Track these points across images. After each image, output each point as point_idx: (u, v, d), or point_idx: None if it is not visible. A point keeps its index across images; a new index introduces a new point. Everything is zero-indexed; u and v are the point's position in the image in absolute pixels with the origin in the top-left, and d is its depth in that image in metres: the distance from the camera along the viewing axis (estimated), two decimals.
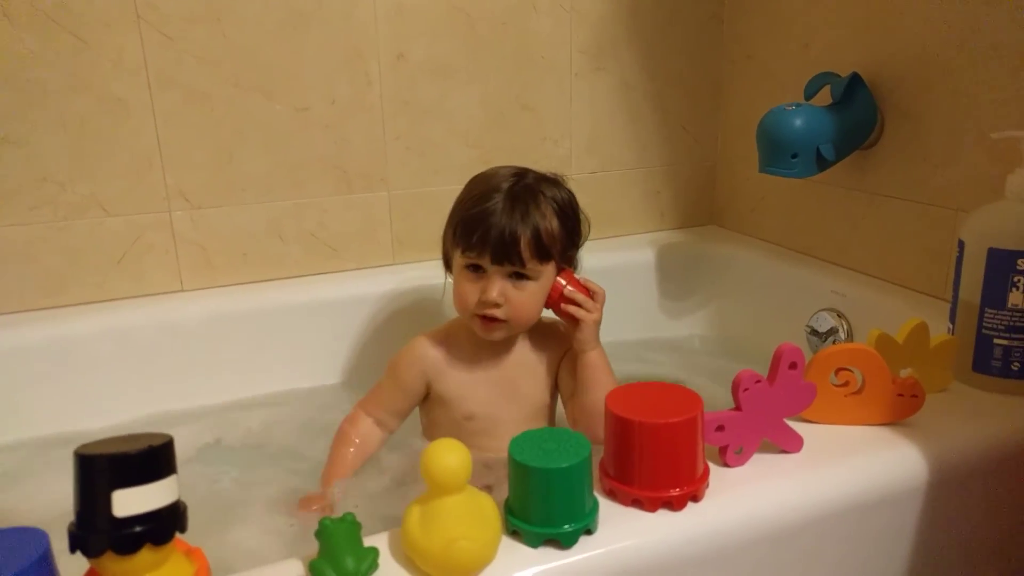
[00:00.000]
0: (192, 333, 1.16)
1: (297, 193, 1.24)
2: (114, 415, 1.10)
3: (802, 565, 0.68)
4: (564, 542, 0.58)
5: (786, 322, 1.23)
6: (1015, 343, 0.80)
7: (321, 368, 1.23)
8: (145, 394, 1.13)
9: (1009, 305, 0.79)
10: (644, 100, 1.42)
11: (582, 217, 0.95)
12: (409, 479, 0.93)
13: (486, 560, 0.56)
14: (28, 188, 1.10)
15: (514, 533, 0.60)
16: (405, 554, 0.57)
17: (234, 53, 1.15)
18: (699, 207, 1.53)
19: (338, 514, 0.55)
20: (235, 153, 1.19)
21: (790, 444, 0.71)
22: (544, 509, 0.58)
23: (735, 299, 1.39)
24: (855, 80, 1.11)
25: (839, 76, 1.13)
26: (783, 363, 0.69)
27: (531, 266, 0.88)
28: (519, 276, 0.89)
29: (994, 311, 0.80)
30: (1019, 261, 0.78)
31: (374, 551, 0.56)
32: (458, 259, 0.91)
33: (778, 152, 1.09)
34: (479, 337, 0.92)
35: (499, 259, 0.87)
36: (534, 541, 0.59)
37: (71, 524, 0.48)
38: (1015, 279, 0.78)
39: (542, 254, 0.88)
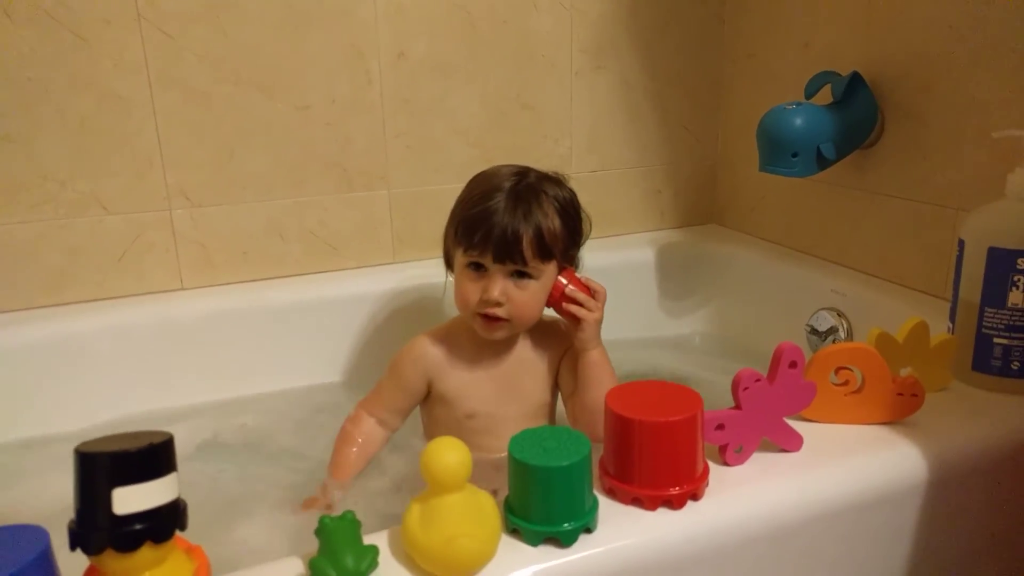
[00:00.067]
0: (192, 331, 1.16)
1: (297, 191, 1.24)
2: (114, 413, 1.10)
3: (802, 564, 0.68)
4: (564, 540, 0.59)
5: (786, 321, 1.23)
6: (1015, 342, 0.80)
7: (321, 367, 1.23)
8: (145, 392, 1.13)
9: (1009, 304, 0.79)
10: (645, 99, 1.42)
11: (583, 216, 0.95)
12: (409, 477, 0.93)
13: (486, 558, 0.57)
14: (29, 186, 1.10)
15: (514, 531, 0.60)
16: (405, 552, 0.57)
17: (235, 51, 1.16)
18: (699, 206, 1.53)
19: (338, 512, 0.55)
20: (235, 151, 1.19)
21: (790, 443, 0.71)
22: (544, 507, 0.58)
23: (735, 298, 1.39)
24: (856, 79, 1.11)
25: (840, 75, 1.13)
26: (783, 362, 0.69)
27: (533, 265, 0.88)
28: (521, 275, 0.89)
29: (994, 310, 0.80)
30: (1019, 260, 0.78)
31: (374, 549, 0.56)
32: (460, 258, 0.91)
33: (778, 151, 1.09)
34: (480, 336, 0.92)
35: (501, 258, 0.87)
36: (534, 539, 0.59)
37: (71, 522, 0.49)
38: (1015, 278, 0.78)
39: (544, 253, 0.88)
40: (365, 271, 1.30)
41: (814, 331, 1.16)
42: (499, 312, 0.89)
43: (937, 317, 0.88)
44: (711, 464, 0.67)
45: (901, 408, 0.75)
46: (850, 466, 0.70)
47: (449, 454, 0.56)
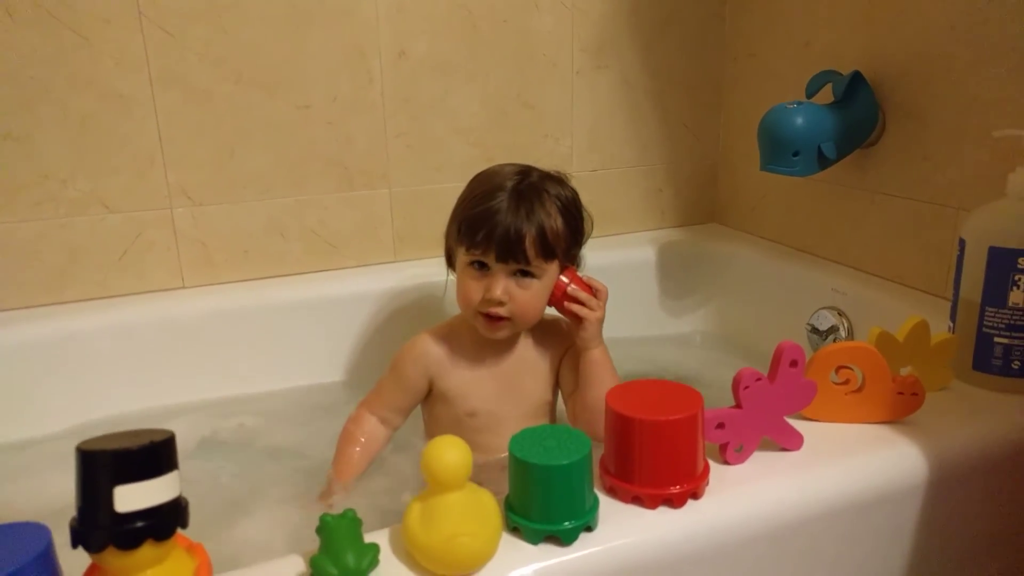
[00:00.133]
0: (193, 330, 1.16)
1: (298, 190, 1.24)
2: (115, 411, 1.11)
3: (802, 563, 0.68)
4: (564, 539, 0.59)
5: (787, 320, 1.23)
6: (1015, 341, 0.80)
7: (322, 365, 1.23)
8: (146, 391, 1.13)
9: (1010, 304, 0.79)
10: (645, 98, 1.42)
11: (585, 215, 0.95)
12: (410, 476, 0.93)
13: (486, 556, 0.57)
14: (30, 185, 1.10)
15: (515, 530, 0.60)
16: (406, 550, 0.57)
17: (236, 50, 1.16)
18: (700, 205, 1.53)
19: (339, 510, 0.56)
20: (236, 150, 1.19)
21: (790, 442, 0.71)
22: (544, 506, 0.58)
23: (736, 297, 1.39)
24: (857, 78, 1.11)
25: (841, 74, 1.13)
26: (784, 361, 0.69)
27: (536, 264, 0.88)
28: (523, 274, 0.89)
29: (995, 309, 0.80)
30: (1020, 260, 0.78)
31: (375, 547, 0.56)
32: (462, 256, 0.91)
33: (779, 150, 1.09)
34: (481, 334, 0.92)
35: (504, 257, 0.87)
36: (534, 538, 0.59)
37: (73, 519, 0.49)
38: (1016, 278, 0.78)
39: (547, 252, 0.88)
40: (366, 270, 1.30)
41: (815, 330, 1.16)
42: (501, 311, 0.89)
43: (938, 316, 0.88)
44: (711, 463, 0.67)
45: (901, 407, 0.75)
46: (850, 465, 0.70)
47: (450, 453, 0.56)
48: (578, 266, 0.97)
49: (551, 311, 0.95)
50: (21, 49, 1.06)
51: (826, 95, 1.14)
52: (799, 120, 1.07)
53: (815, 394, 0.72)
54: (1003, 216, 0.81)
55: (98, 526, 0.48)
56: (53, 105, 1.09)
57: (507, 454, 0.60)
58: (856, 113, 1.11)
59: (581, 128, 1.39)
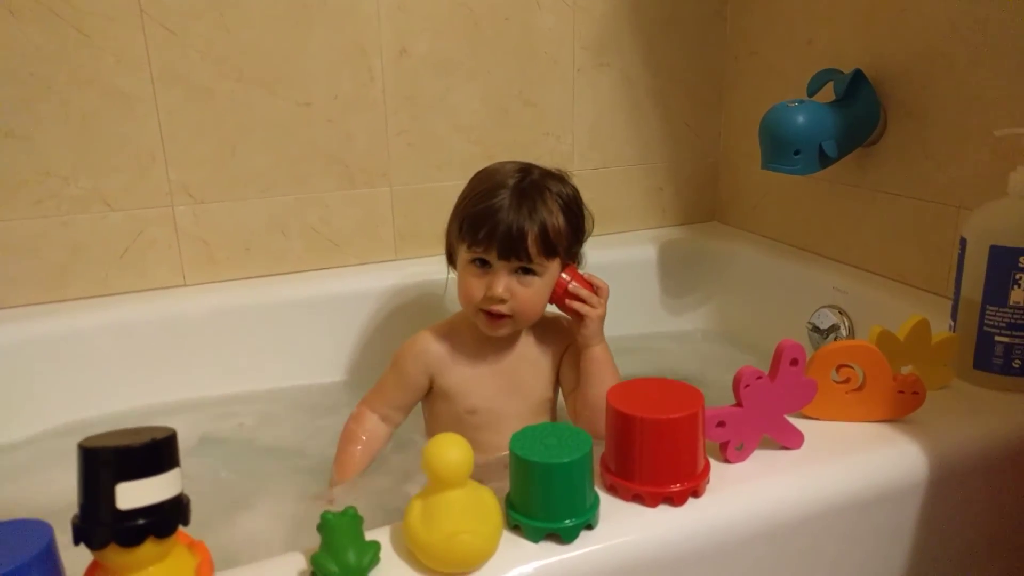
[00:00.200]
0: (194, 328, 1.16)
1: (299, 188, 1.24)
2: (116, 408, 1.11)
3: (802, 561, 0.68)
4: (565, 537, 0.59)
5: (788, 319, 1.23)
6: (1016, 340, 0.80)
7: (323, 363, 1.24)
8: (147, 388, 1.14)
9: (1011, 302, 0.79)
10: (647, 96, 1.42)
11: (586, 213, 0.95)
12: (411, 473, 0.93)
13: (487, 554, 0.57)
14: (31, 182, 1.10)
15: (515, 528, 0.60)
16: (407, 548, 0.57)
17: (237, 48, 1.16)
18: (701, 203, 1.53)
19: (340, 508, 0.56)
20: (238, 148, 1.19)
21: (791, 440, 0.71)
22: (545, 504, 0.58)
23: (737, 296, 1.39)
24: (858, 77, 1.11)
25: (842, 73, 1.13)
26: (784, 359, 0.69)
27: (538, 262, 0.88)
28: (525, 271, 0.89)
29: (995, 308, 0.80)
30: (1021, 258, 0.78)
31: (376, 545, 0.56)
32: (464, 254, 0.91)
33: (780, 149, 1.09)
34: (482, 332, 0.92)
35: (506, 254, 0.87)
36: (535, 536, 0.59)
37: (75, 516, 0.49)
38: (1017, 276, 0.78)
39: (549, 250, 0.88)
40: (367, 268, 1.30)
41: (815, 329, 1.16)
42: (503, 309, 0.89)
43: (939, 315, 0.88)
44: (712, 461, 0.67)
45: (902, 406, 0.75)
46: (851, 464, 0.70)
47: (451, 450, 0.56)
48: (579, 264, 0.97)
49: (552, 309, 0.95)
50: (23, 46, 1.06)
51: (827, 94, 1.14)
52: (800, 119, 1.07)
53: (816, 393, 0.72)
54: (1004, 215, 0.80)
55: (100, 523, 0.48)
56: (54, 102, 1.09)
57: (507, 452, 0.60)
58: (857, 112, 1.11)
59: (582, 126, 1.39)
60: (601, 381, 0.90)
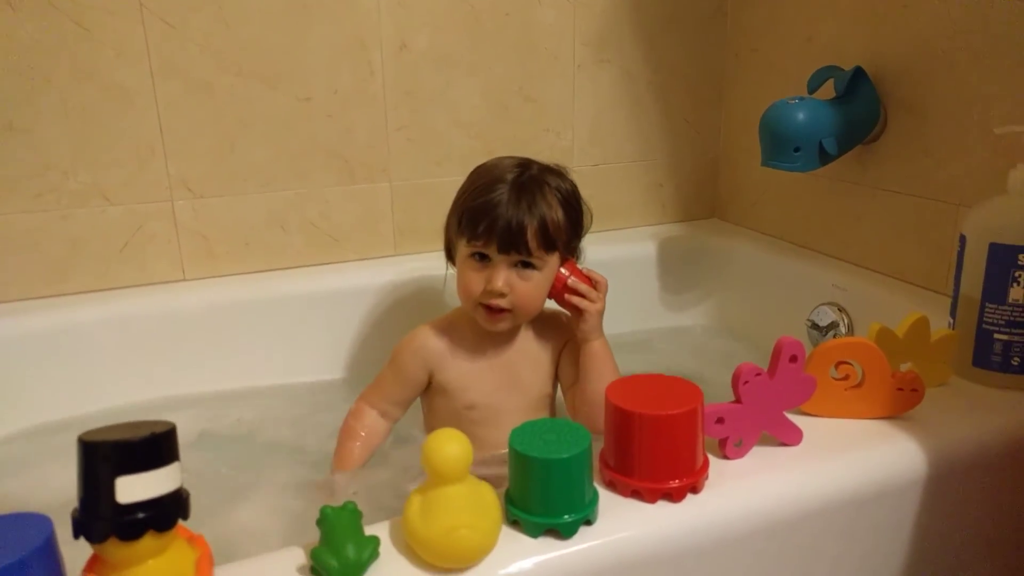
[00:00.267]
0: (194, 322, 1.16)
1: (299, 183, 1.24)
2: (115, 403, 1.11)
3: (801, 557, 0.68)
4: (564, 532, 0.59)
5: (787, 316, 1.23)
6: (1015, 338, 0.80)
7: (322, 358, 1.24)
8: (146, 383, 1.14)
9: (1010, 300, 0.79)
10: (647, 92, 1.42)
11: (585, 208, 0.95)
12: (410, 469, 0.93)
13: (486, 549, 0.57)
14: (31, 176, 1.10)
15: (514, 523, 0.60)
16: (406, 542, 0.57)
17: (236, 42, 1.15)
18: (701, 200, 1.53)
19: (340, 503, 0.56)
20: (237, 142, 1.19)
21: (789, 437, 0.71)
22: (544, 499, 0.59)
23: (736, 293, 1.39)
24: (859, 74, 1.11)
25: (843, 70, 1.12)
26: (783, 356, 0.69)
27: (537, 256, 0.88)
28: (525, 265, 0.89)
29: (995, 306, 0.80)
30: (1020, 256, 0.78)
31: (375, 539, 0.56)
32: (463, 248, 0.91)
33: (780, 146, 1.09)
34: (482, 327, 0.92)
35: (506, 248, 0.87)
36: (534, 531, 0.59)
37: (75, 510, 0.49)
38: (1016, 274, 0.78)
39: (548, 244, 0.88)
40: (366, 263, 1.30)
41: (815, 326, 1.16)
42: (502, 303, 0.89)
43: (938, 313, 0.88)
44: (711, 457, 0.67)
45: (901, 403, 0.75)
46: (850, 460, 0.70)
47: (450, 445, 0.56)
48: (578, 259, 0.97)
49: (551, 304, 0.95)
50: (23, 40, 1.05)
51: (828, 91, 1.14)
52: (800, 116, 1.07)
53: (815, 389, 0.72)
54: (1004, 212, 0.81)
55: (100, 517, 0.48)
56: (54, 96, 1.09)
57: (506, 447, 0.60)
58: (858, 109, 1.10)
59: (582, 122, 1.39)
60: (600, 376, 0.91)
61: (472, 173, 0.95)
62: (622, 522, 0.61)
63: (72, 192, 1.13)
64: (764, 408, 0.69)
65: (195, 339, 1.16)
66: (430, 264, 1.15)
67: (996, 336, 0.81)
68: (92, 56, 1.09)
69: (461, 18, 1.26)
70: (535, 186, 0.89)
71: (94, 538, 0.49)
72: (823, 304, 1.16)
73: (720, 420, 0.68)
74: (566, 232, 0.91)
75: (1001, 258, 0.79)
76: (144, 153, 1.15)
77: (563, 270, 0.92)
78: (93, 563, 0.51)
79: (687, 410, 0.62)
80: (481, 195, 0.89)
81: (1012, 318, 0.80)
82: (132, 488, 0.48)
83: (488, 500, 0.58)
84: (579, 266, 0.95)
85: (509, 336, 0.96)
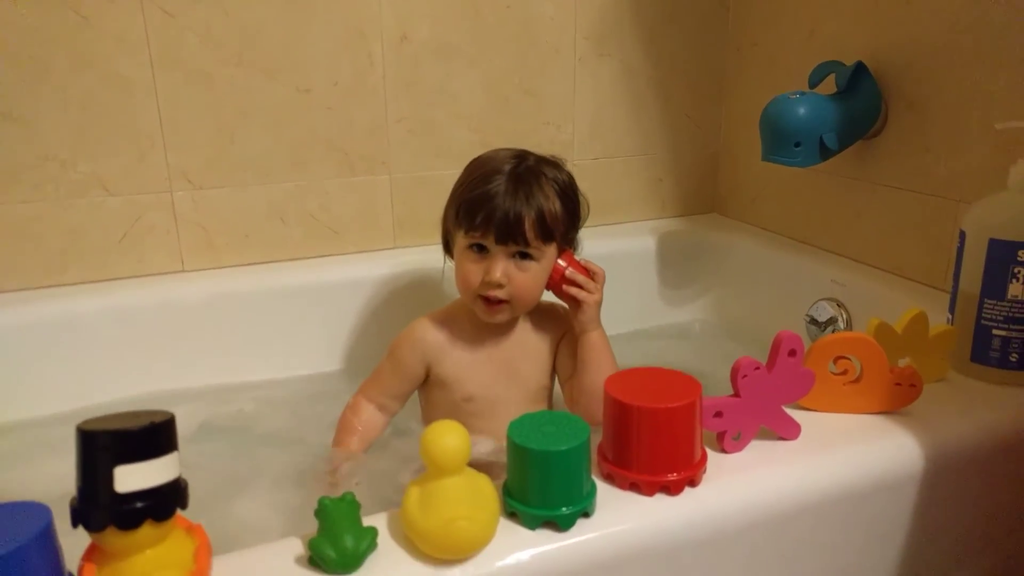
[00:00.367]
0: (193, 314, 1.16)
1: (299, 175, 1.24)
2: (114, 394, 1.10)
3: (798, 551, 0.68)
4: (562, 524, 0.59)
5: (786, 311, 1.23)
6: (1014, 334, 0.80)
7: (321, 351, 1.24)
8: (145, 374, 1.14)
9: (1009, 296, 0.79)
10: (648, 87, 1.42)
11: (582, 199, 0.95)
12: (410, 460, 0.93)
13: (484, 540, 0.57)
14: (30, 166, 1.10)
15: (512, 515, 0.60)
16: (404, 534, 0.58)
17: (236, 32, 1.15)
18: (701, 195, 1.53)
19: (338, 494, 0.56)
20: (237, 134, 1.19)
21: (788, 431, 0.71)
22: (542, 491, 0.59)
23: (736, 287, 1.39)
24: (860, 69, 1.10)
25: (844, 65, 1.12)
26: (782, 350, 0.69)
27: (535, 246, 0.88)
28: (522, 256, 0.89)
29: (993, 302, 0.80)
30: (1020, 252, 0.78)
31: (373, 530, 0.56)
32: (461, 240, 0.91)
33: (781, 141, 1.08)
34: (480, 319, 0.92)
35: (503, 239, 0.87)
36: (532, 523, 0.59)
37: (73, 499, 0.49)
38: (1015, 270, 0.78)
39: (546, 234, 0.88)
40: (365, 256, 1.30)
41: (813, 321, 1.16)
42: (500, 294, 0.89)
43: (937, 308, 0.88)
44: (709, 451, 0.67)
45: (899, 398, 0.75)
46: (847, 455, 0.70)
47: (448, 437, 0.56)
48: (575, 250, 0.97)
49: (549, 297, 0.95)
50: (22, 29, 1.05)
51: (829, 85, 1.14)
52: (801, 111, 1.07)
53: (813, 384, 0.73)
54: (1004, 208, 0.81)
55: (98, 506, 0.48)
56: (53, 86, 1.08)
57: (504, 439, 0.60)
58: (858, 104, 1.10)
59: (583, 116, 1.39)
60: (598, 367, 0.91)
61: (469, 165, 0.95)
62: (620, 515, 0.61)
63: (71, 182, 1.12)
64: (762, 402, 0.70)
65: (194, 331, 1.16)
66: (430, 257, 1.14)
67: (995, 332, 0.81)
68: (91, 46, 1.09)
69: (462, 10, 1.26)
70: (532, 177, 0.89)
71: (92, 527, 0.49)
72: (822, 299, 1.16)
73: (718, 414, 0.68)
74: (563, 223, 0.91)
75: (1000, 254, 0.79)
76: (143, 144, 1.15)
77: (560, 261, 0.92)
78: (91, 552, 0.51)
79: (685, 403, 0.62)
80: (478, 186, 0.89)
81: (1011, 314, 0.80)
82: (131, 477, 0.48)
83: (486, 492, 0.58)
84: (576, 257, 0.95)
85: (507, 328, 0.96)
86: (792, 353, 0.70)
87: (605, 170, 1.43)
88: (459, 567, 0.56)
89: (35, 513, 0.48)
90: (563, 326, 0.97)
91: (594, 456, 0.65)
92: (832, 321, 1.14)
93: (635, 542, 0.61)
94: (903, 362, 0.77)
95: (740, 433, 0.69)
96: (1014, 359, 0.80)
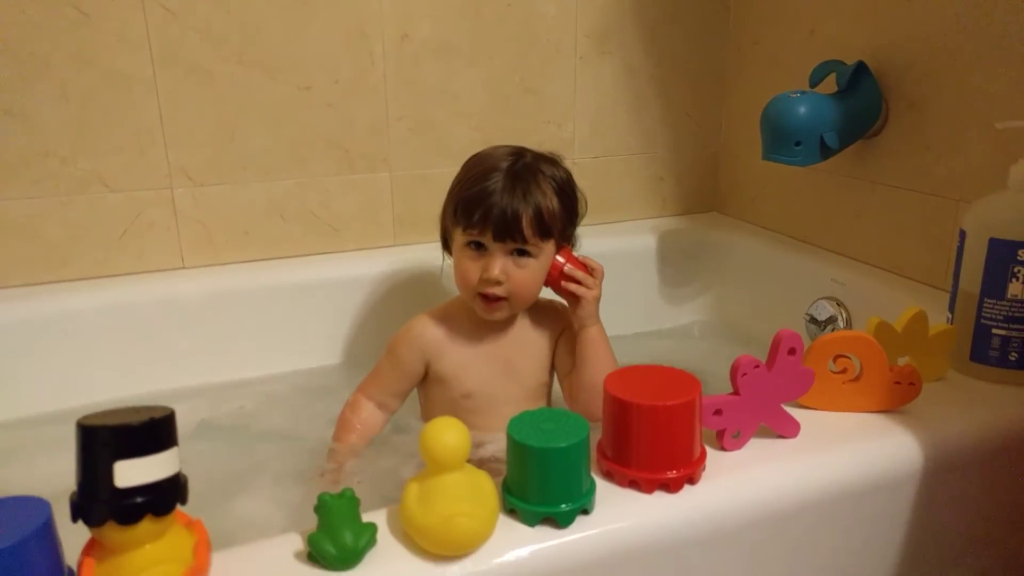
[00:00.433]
0: (193, 310, 1.16)
1: (299, 172, 1.24)
2: (114, 391, 1.11)
3: (797, 549, 0.68)
4: (561, 521, 0.59)
5: (786, 310, 1.23)
6: (1013, 333, 0.80)
7: (321, 348, 1.24)
8: (145, 370, 1.14)
9: (1008, 295, 0.79)
10: (648, 85, 1.42)
11: (579, 196, 0.95)
12: (408, 457, 0.93)
13: (483, 537, 0.57)
14: (30, 162, 1.10)
15: (511, 511, 0.60)
16: (403, 530, 0.58)
17: (238, 30, 1.15)
18: (701, 194, 1.53)
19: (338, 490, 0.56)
20: (237, 131, 1.19)
21: (787, 429, 0.71)
22: (541, 488, 0.59)
23: (736, 286, 1.39)
24: (861, 68, 1.10)
25: (845, 64, 1.12)
26: (782, 349, 0.69)
27: (533, 243, 0.88)
28: (520, 253, 0.89)
29: (993, 301, 0.80)
30: (1020, 251, 0.78)
31: (372, 527, 0.56)
32: (459, 237, 0.91)
33: (782, 140, 1.08)
34: (479, 316, 0.93)
35: (501, 236, 0.87)
36: (531, 520, 0.59)
37: (73, 494, 0.49)
38: (1015, 269, 0.78)
39: (543, 231, 0.89)
40: (365, 253, 1.30)
41: (813, 320, 1.16)
42: (499, 291, 0.89)
43: (936, 307, 0.88)
44: (708, 449, 0.67)
45: (898, 397, 0.75)
46: (847, 453, 0.70)
47: (448, 433, 0.56)
48: (573, 246, 0.97)
49: (547, 293, 0.95)
50: (22, 25, 1.05)
51: (829, 85, 1.14)
52: (802, 110, 1.07)
53: (813, 382, 0.73)
54: (1004, 208, 0.81)
55: (98, 501, 0.48)
56: (54, 82, 1.08)
57: (503, 435, 0.60)
58: (859, 103, 1.10)
59: (583, 114, 1.39)
60: (597, 362, 0.91)
61: (467, 162, 0.95)
62: (619, 512, 0.61)
63: (71, 178, 1.12)
64: (762, 400, 0.70)
65: (194, 328, 1.16)
66: (429, 254, 1.14)
67: (994, 331, 0.81)
68: (92, 42, 1.08)
69: (463, 9, 1.26)
70: (529, 174, 0.89)
71: (92, 522, 0.49)
72: (822, 298, 1.17)
73: (718, 412, 0.68)
74: (561, 219, 0.91)
75: (1000, 253, 0.79)
76: (144, 140, 1.15)
77: (559, 257, 0.92)
78: (91, 547, 0.51)
79: (685, 401, 0.62)
80: (476, 184, 0.89)
81: (1010, 313, 0.80)
82: (131, 472, 0.48)
83: (486, 488, 0.58)
84: (575, 253, 0.95)
85: (506, 325, 0.96)
86: (792, 351, 0.70)
87: (606, 168, 1.43)
88: (458, 563, 0.56)
89: (35, 507, 0.49)
90: (562, 322, 0.97)
91: (593, 453, 0.65)
92: (832, 320, 1.14)
93: (634, 539, 0.61)
94: (903, 361, 0.77)
95: (739, 431, 0.69)
96: (1014, 358, 0.80)
